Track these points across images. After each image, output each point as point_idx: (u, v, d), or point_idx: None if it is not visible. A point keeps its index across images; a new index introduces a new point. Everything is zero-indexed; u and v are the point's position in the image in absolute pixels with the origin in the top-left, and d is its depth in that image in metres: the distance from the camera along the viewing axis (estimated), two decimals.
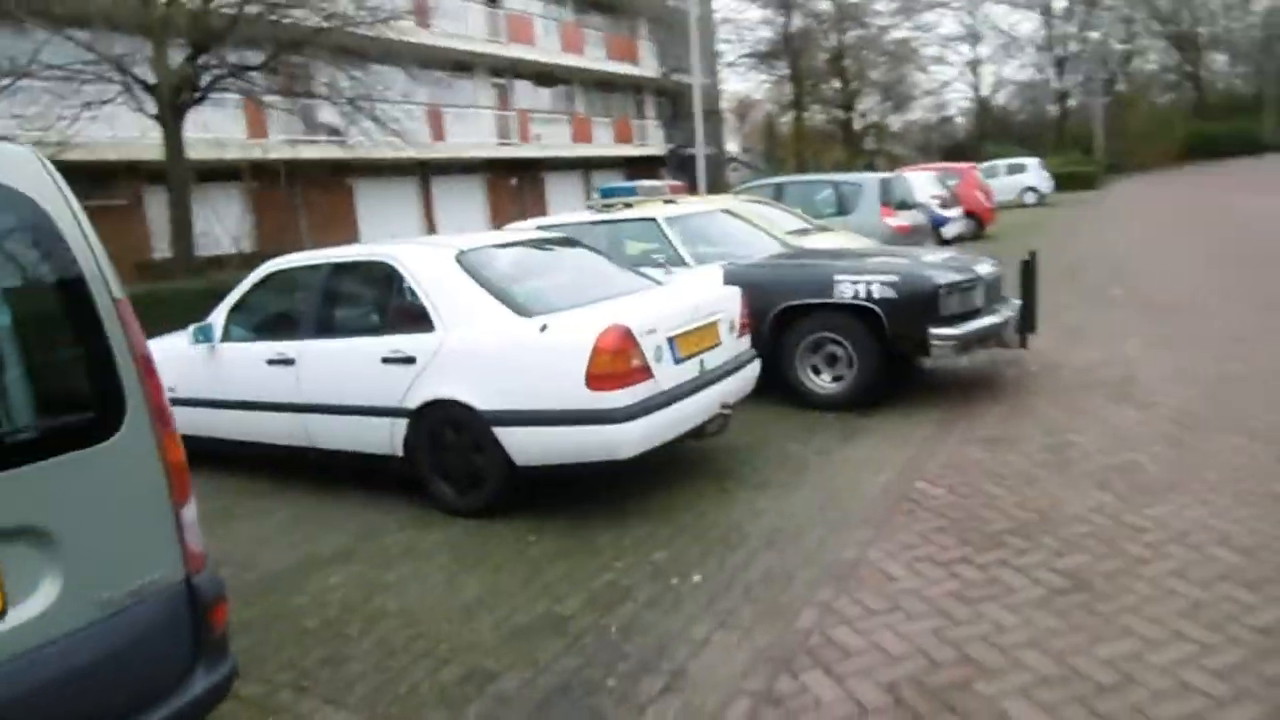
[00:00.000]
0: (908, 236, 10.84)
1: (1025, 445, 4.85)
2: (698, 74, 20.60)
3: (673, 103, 36.09)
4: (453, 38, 24.03)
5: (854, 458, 4.96)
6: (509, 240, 5.09)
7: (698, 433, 4.55)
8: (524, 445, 4.16)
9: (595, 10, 32.12)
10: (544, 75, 29.24)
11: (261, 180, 18.95)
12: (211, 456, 5.60)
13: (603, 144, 31.22)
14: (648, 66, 34.04)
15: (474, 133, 25.74)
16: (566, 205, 27.13)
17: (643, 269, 6.01)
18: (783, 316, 6.02)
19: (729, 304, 4.89)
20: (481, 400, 4.20)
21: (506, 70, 27.63)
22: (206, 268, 12.02)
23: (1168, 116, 49.31)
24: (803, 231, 9.33)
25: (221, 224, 13.84)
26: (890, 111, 55.54)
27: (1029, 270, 6.19)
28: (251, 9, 11.11)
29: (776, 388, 6.01)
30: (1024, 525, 3.74)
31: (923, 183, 15.27)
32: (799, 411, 5.93)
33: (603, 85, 32.66)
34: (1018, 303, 6.24)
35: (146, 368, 2.06)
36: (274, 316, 5.25)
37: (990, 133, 51.20)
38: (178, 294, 9.41)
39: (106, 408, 1.98)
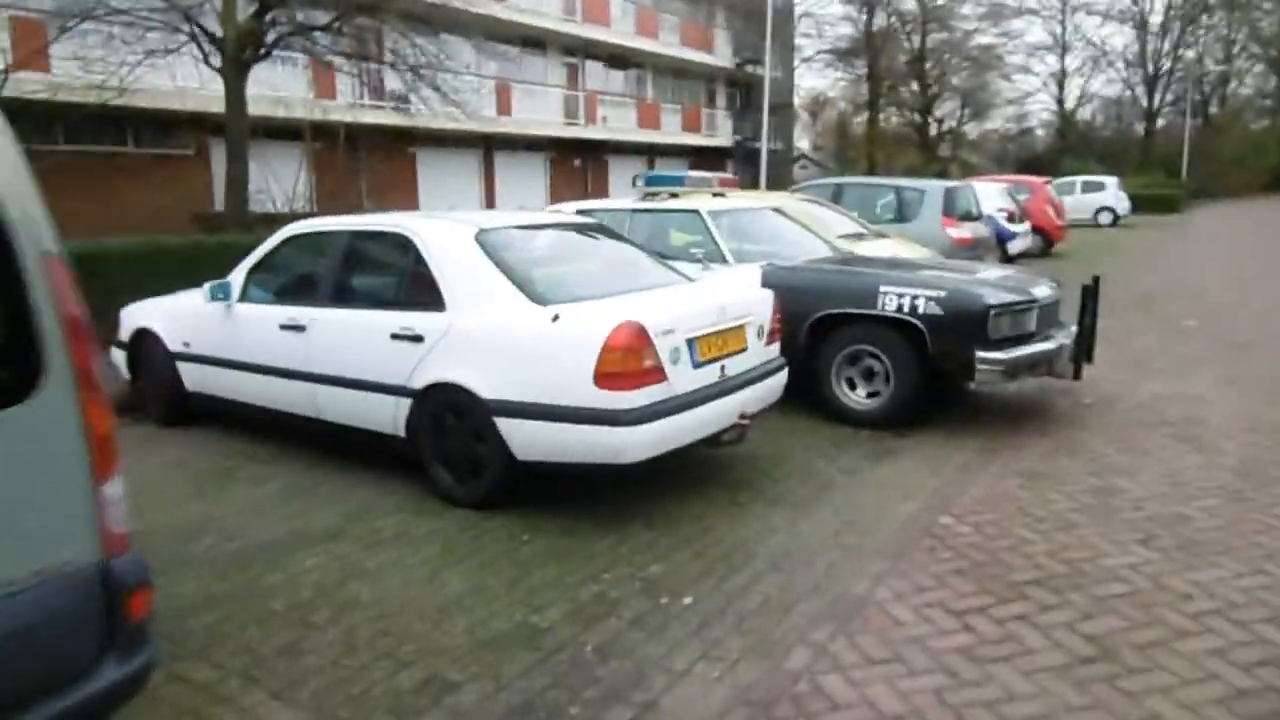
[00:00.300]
0: (969, 249, 10.36)
1: (1068, 484, 4.49)
2: (769, 65, 20.15)
3: (744, 94, 35.57)
4: (525, 13, 23.89)
5: (881, 480, 4.65)
6: (536, 222, 4.87)
7: (713, 441, 4.29)
8: (526, 439, 3.95)
9: None
10: (616, 57, 28.98)
11: (324, 142, 19.09)
12: (225, 415, 5.54)
13: (670, 131, 30.87)
14: (722, 56, 33.55)
15: (541, 110, 25.63)
16: (629, 190, 26.95)
17: (679, 263, 5.77)
18: (820, 325, 5.71)
19: (759, 308, 4.61)
20: (486, 388, 4.00)
21: (579, 50, 27.44)
22: (258, 224, 12.09)
23: (1261, 141, 47.08)
24: (857, 236, 8.97)
25: (278, 182, 13.89)
26: (969, 119, 54.15)
27: (1090, 295, 5.77)
28: None
29: (809, 399, 5.72)
30: (1053, 577, 3.42)
31: (991, 195, 14.66)
32: (830, 426, 5.62)
33: (675, 72, 32.29)
34: (1075, 329, 5.84)
35: (75, 330, 1.88)
36: (291, 281, 5.12)
37: (1072, 148, 49.51)
38: (224, 247, 9.40)
39: (21, 369, 1.80)
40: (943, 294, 5.33)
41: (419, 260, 4.37)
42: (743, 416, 4.28)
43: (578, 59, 27.77)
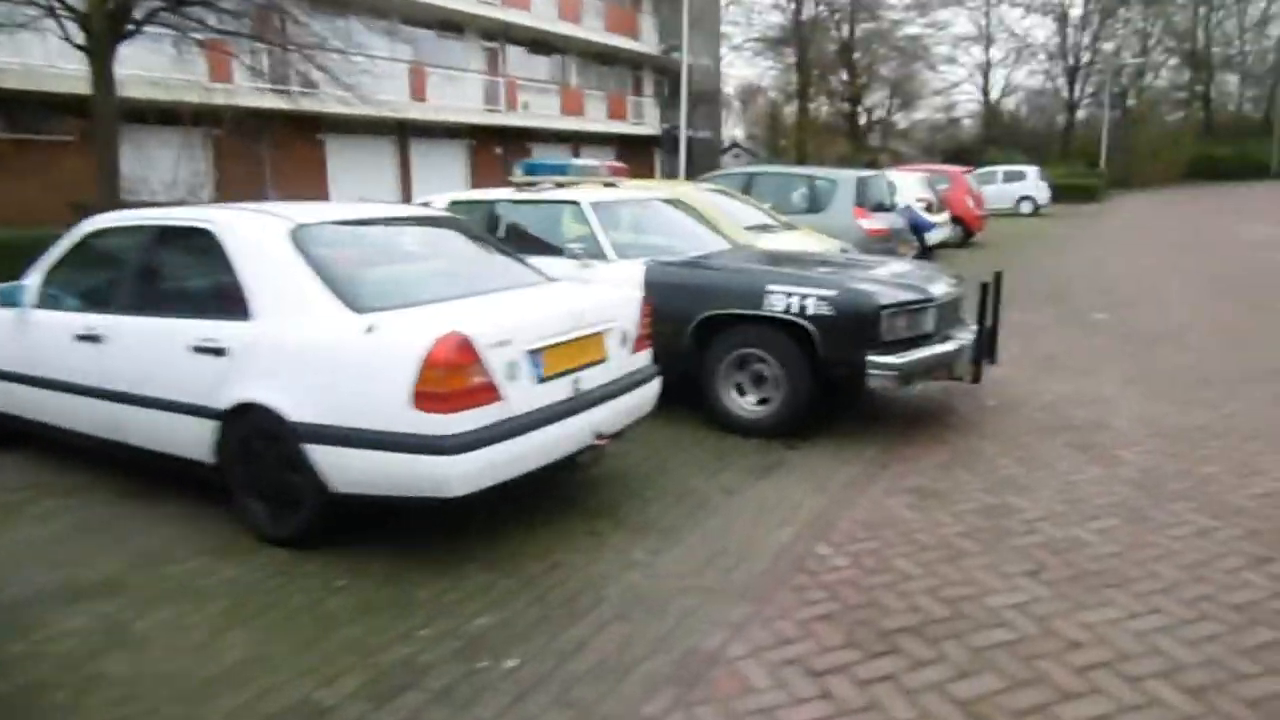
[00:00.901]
0: (882, 241, 10.07)
1: (959, 503, 4.11)
2: (686, 49, 19.70)
3: (672, 82, 35.06)
4: None
5: (761, 500, 4.22)
6: (366, 216, 4.28)
7: (566, 465, 3.79)
8: (339, 468, 3.39)
9: None
10: (538, 42, 28.24)
11: (222, 127, 18.04)
12: (38, 437, 4.84)
13: (595, 119, 30.27)
14: (648, 42, 33.05)
15: (459, 97, 24.80)
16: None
17: (555, 259, 5.27)
18: (706, 326, 5.26)
19: (623, 312, 4.12)
20: (293, 409, 3.43)
21: (499, 34, 26.62)
22: None
23: (1175, 135, 48.46)
24: (763, 228, 8.58)
25: (155, 170, 12.95)
26: (897, 109, 54.63)
27: (991, 292, 5.43)
28: None
29: (699, 406, 5.28)
30: (930, 623, 3.00)
31: (909, 184, 14.49)
32: (716, 436, 5.19)
33: (600, 58, 31.68)
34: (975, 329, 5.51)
35: None
36: (90, 284, 4.45)
37: (997, 138, 50.33)
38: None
39: None
40: (833, 293, 4.91)
41: (223, 260, 3.76)
42: (600, 437, 3.79)
43: (498, 44, 26.95)
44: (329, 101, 16.62)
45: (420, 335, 3.24)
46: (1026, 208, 26.94)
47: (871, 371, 4.85)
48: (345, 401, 3.35)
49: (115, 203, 10.96)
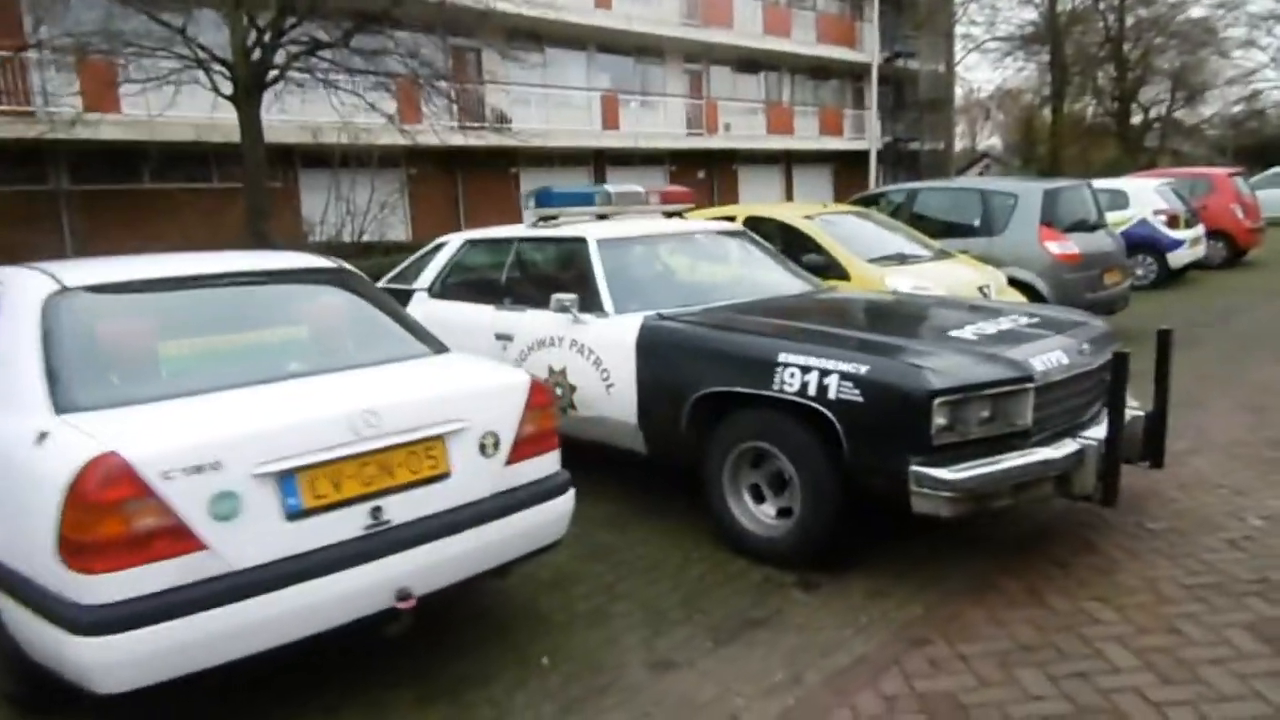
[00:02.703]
0: (1077, 268, 7.86)
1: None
2: (876, 52, 17.73)
3: (896, 91, 32.57)
4: (637, 20, 22.59)
5: (693, 689, 2.79)
6: (217, 271, 3.26)
7: (366, 631, 2.61)
8: (18, 627, 2.46)
9: None
10: (745, 61, 27.13)
11: (418, 167, 18.67)
12: None
13: (806, 136, 28.56)
14: (868, 51, 30.79)
15: (659, 122, 24.27)
16: (760, 200, 24.91)
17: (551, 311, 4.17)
18: (704, 407, 3.86)
19: (487, 405, 2.88)
20: None
21: (701, 55, 25.84)
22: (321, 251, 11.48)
23: None
24: (900, 259, 6.88)
25: (336, 208, 13.30)
26: (1180, 104, 47.32)
27: (1145, 360, 3.55)
28: None
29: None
30: None
31: (1145, 194, 11.68)
32: (717, 559, 3.78)
33: (814, 71, 29.95)
34: (1140, 413, 3.66)
35: None
36: None
37: None
38: None
39: None
40: (862, 369, 3.34)
41: None
42: (401, 598, 2.57)
43: (701, 65, 26.16)
44: (522, 136, 16.59)
45: (73, 454, 2.23)
46: None
47: (916, 489, 3.21)
48: (11, 539, 2.42)
49: (267, 243, 11.25)
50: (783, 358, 3.56)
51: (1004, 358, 3.41)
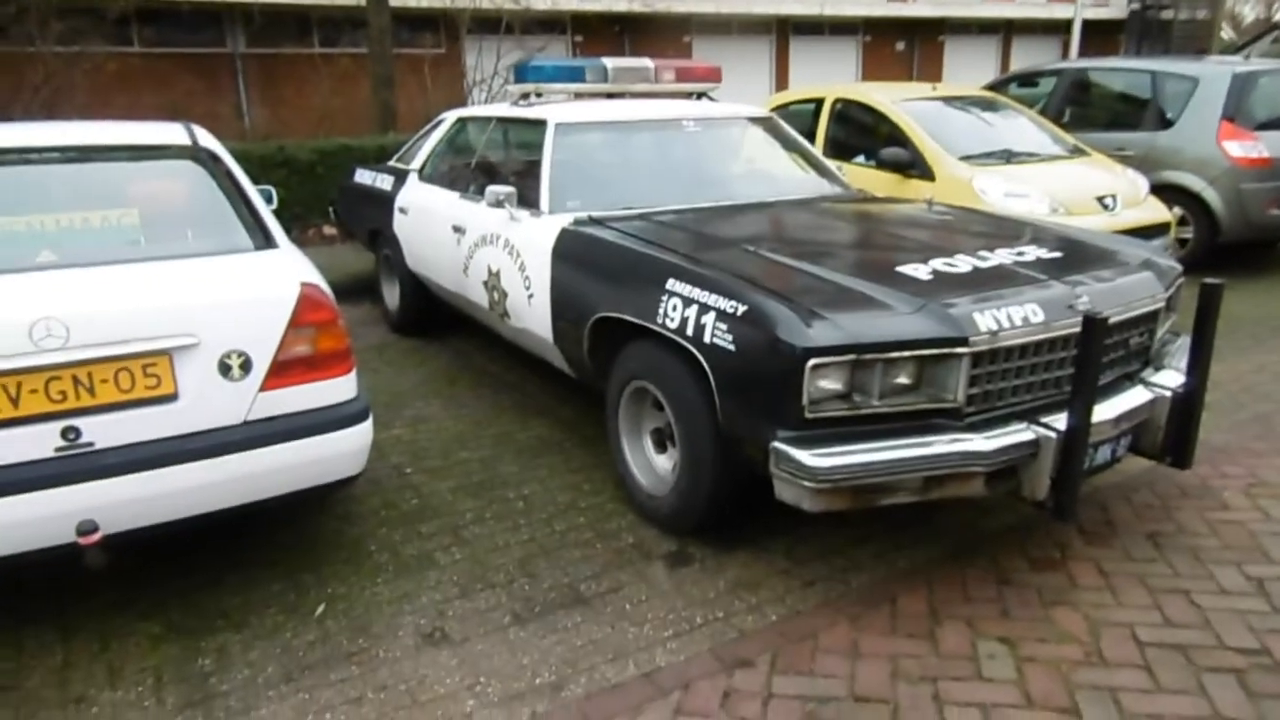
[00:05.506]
0: (1262, 176, 6.19)
1: None
2: None
3: None
4: None
5: (439, 684, 2.38)
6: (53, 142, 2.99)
7: (53, 563, 2.37)
8: None
9: None
10: None
11: (583, 33, 18.01)
12: None
13: (1033, 2, 24.87)
14: None
15: None
16: (970, 79, 22.17)
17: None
18: (601, 334, 3.26)
19: (231, 316, 2.46)
20: None
21: None
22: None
23: None
24: (1002, 157, 5.73)
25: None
26: None
27: (1198, 326, 2.54)
28: None
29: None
30: None
31: None
32: (599, 513, 3.26)
33: None
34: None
35: None
36: None
37: None
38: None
39: None
40: (740, 308, 2.60)
41: None
42: (83, 531, 2.28)
43: None
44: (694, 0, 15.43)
45: None
46: None
47: (776, 470, 2.50)
48: None
49: (390, 116, 11.23)
50: (670, 284, 2.87)
51: (936, 309, 2.53)
